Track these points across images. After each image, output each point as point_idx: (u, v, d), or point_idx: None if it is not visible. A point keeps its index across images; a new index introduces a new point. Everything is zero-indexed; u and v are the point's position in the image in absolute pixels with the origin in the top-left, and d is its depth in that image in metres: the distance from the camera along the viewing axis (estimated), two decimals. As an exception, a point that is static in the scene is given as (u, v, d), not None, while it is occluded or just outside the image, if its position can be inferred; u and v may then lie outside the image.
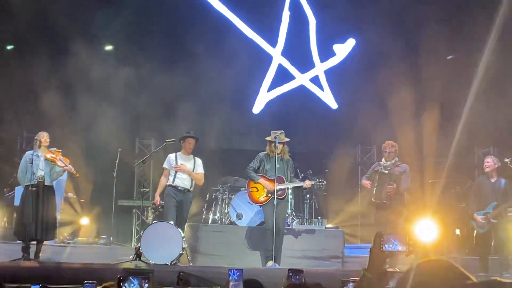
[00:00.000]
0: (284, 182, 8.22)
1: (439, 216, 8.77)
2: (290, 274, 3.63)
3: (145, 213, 10.50)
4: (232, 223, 9.57)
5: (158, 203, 8.49)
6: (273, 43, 12.31)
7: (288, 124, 9.30)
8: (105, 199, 10.96)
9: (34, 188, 7.98)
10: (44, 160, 8.12)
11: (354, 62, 12.16)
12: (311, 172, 9.78)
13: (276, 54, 12.32)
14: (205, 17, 12.03)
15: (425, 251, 7.73)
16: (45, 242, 8.22)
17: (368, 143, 12.37)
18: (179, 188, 8.44)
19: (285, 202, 8.50)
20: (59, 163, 8.12)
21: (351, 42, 12.34)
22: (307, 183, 8.41)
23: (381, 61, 11.78)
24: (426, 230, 8.21)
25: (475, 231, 8.54)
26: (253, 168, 8.29)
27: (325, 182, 8.61)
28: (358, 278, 3.02)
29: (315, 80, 12.38)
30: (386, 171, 8.45)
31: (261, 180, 8.23)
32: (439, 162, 10.51)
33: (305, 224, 10.02)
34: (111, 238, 10.70)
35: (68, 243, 10.16)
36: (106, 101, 11.20)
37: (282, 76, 12.32)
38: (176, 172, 8.46)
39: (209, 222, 10.04)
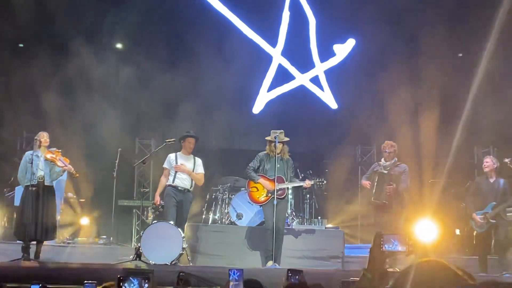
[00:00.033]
0: (284, 182, 8.22)
1: (439, 216, 8.78)
2: (290, 274, 3.63)
3: (145, 213, 10.50)
4: (232, 223, 9.58)
5: (158, 203, 8.48)
6: (273, 43, 12.31)
7: (288, 124, 9.30)
8: (105, 199, 10.96)
9: (34, 188, 7.97)
10: (44, 160, 8.12)
11: (354, 62, 12.16)
12: (311, 172, 9.78)
13: (276, 54, 12.32)
14: (205, 17, 12.03)
15: (425, 251, 7.73)
16: (45, 242, 8.21)
17: (368, 143, 12.37)
18: (179, 188, 8.44)
19: (285, 202, 8.50)
20: (59, 163, 8.12)
21: (351, 42, 12.34)
22: (307, 183, 8.41)
23: (381, 61, 11.79)
24: (426, 230, 8.22)
25: (475, 231, 8.54)
26: (253, 168, 8.29)
27: (325, 181, 8.61)
28: (358, 278, 3.02)
29: (315, 80, 12.38)
30: (386, 171, 8.46)
31: (261, 180, 8.24)
32: (439, 162, 10.51)
33: (305, 224, 10.02)
34: (111, 238, 10.70)
35: (68, 243, 10.16)
36: (106, 101, 11.20)
37: (282, 76, 12.33)
38: (176, 172, 8.46)
39: (209, 222, 10.05)
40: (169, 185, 8.45)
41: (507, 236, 8.35)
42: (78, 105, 11.40)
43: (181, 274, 4.81)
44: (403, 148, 9.21)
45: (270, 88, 12.28)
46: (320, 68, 12.34)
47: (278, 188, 8.14)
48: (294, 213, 9.96)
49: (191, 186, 8.55)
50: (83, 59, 11.04)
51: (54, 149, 8.30)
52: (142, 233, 7.96)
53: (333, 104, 12.31)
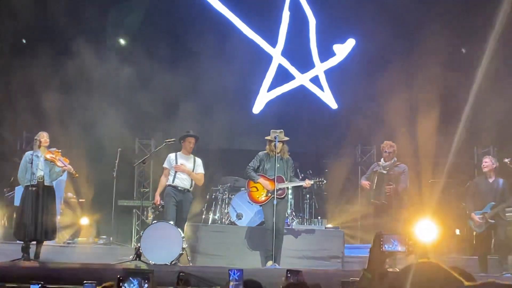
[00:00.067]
0: (284, 182, 8.22)
1: (439, 216, 8.78)
2: (289, 275, 3.63)
3: (145, 213, 10.49)
4: (232, 223, 9.58)
5: (158, 203, 8.48)
6: (273, 43, 12.31)
7: (288, 124, 9.30)
8: (105, 199, 10.96)
9: (34, 189, 7.97)
10: (44, 160, 8.11)
11: (354, 62, 12.16)
12: (311, 172, 9.78)
13: (276, 54, 12.32)
14: (205, 17, 12.03)
15: (425, 251, 7.72)
16: (45, 242, 8.21)
17: (368, 143, 12.36)
18: (179, 188, 8.43)
19: (285, 202, 8.50)
20: (58, 163, 8.12)
21: (351, 42, 12.34)
22: (307, 182, 8.41)
23: (381, 61, 11.79)
24: (426, 230, 8.21)
25: (474, 231, 8.54)
26: (253, 167, 8.29)
27: (325, 181, 8.63)
28: (358, 278, 3.02)
29: (315, 80, 12.38)
30: (385, 172, 8.47)
31: (261, 180, 8.24)
32: (439, 162, 10.51)
33: (305, 224, 10.02)
34: (111, 238, 10.70)
35: (68, 243, 10.16)
36: (106, 101, 11.21)
37: (282, 76, 12.33)
38: (176, 172, 8.46)
39: (209, 222, 10.05)
40: (169, 185, 8.45)
41: (506, 236, 8.35)
42: (78, 105, 11.40)
43: (181, 274, 4.81)
44: (403, 148, 9.22)
45: (270, 88, 12.28)
46: (320, 68, 12.34)
47: (278, 188, 8.14)
48: (294, 213, 9.96)
49: (191, 186, 8.55)
50: (83, 59, 11.04)
51: (54, 149, 8.30)
52: (142, 233, 7.97)
53: (333, 104, 12.31)
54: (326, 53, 12.35)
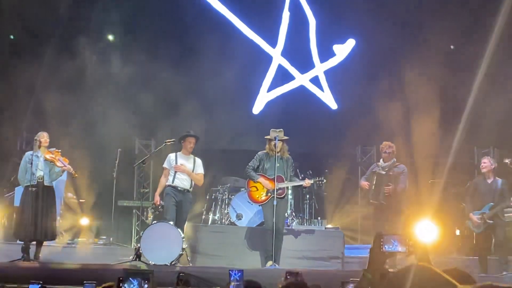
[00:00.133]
0: (283, 181, 8.22)
1: (439, 216, 8.77)
2: (288, 276, 3.63)
3: (145, 213, 10.49)
4: (232, 223, 9.57)
5: (158, 203, 8.48)
6: (273, 43, 12.31)
7: (288, 125, 9.29)
8: (105, 199, 10.96)
9: (33, 189, 7.97)
10: (43, 161, 8.11)
11: (354, 62, 12.15)
12: (311, 172, 9.77)
13: (276, 55, 12.32)
14: (205, 17, 12.03)
15: (425, 251, 7.71)
16: (45, 243, 8.21)
17: (368, 144, 12.35)
18: (179, 188, 8.43)
19: (285, 202, 8.50)
20: (58, 163, 8.12)
21: (351, 43, 12.33)
22: (307, 182, 8.41)
23: (381, 61, 11.78)
24: (426, 231, 8.20)
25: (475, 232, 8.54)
26: (253, 167, 8.29)
27: (324, 180, 8.64)
28: (358, 279, 3.02)
29: (315, 81, 12.38)
30: (384, 172, 8.47)
31: (261, 179, 8.23)
32: (439, 162, 10.51)
33: (305, 224, 10.01)
34: (111, 239, 10.69)
35: (68, 243, 10.15)
36: (106, 101, 11.20)
37: (282, 76, 12.32)
38: (175, 172, 8.45)
39: (209, 222, 10.04)
40: (169, 185, 8.44)
41: (506, 236, 8.35)
42: (78, 105, 11.39)
43: (181, 274, 4.81)
44: (403, 148, 9.21)
45: (270, 89, 12.27)
46: (320, 69, 12.34)
47: (277, 188, 8.13)
48: (294, 213, 9.95)
49: (190, 187, 8.54)
50: (83, 59, 11.05)
51: (54, 149, 8.29)
52: (142, 234, 7.97)
53: (333, 105, 12.30)
54: (326, 53, 12.35)
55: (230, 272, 3.47)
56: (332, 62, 12.34)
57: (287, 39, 12.27)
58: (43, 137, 8.19)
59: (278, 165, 8.18)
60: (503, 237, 8.31)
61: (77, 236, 10.78)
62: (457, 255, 9.87)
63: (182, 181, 8.46)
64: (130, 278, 2.93)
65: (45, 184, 8.09)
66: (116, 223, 10.56)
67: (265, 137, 8.41)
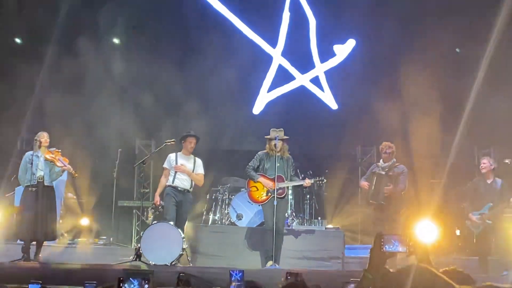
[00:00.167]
0: (284, 181, 8.21)
1: (440, 216, 8.77)
2: (288, 277, 3.63)
3: (145, 213, 10.50)
4: (232, 223, 9.58)
5: (158, 203, 8.48)
6: (273, 43, 12.31)
7: (288, 125, 9.29)
8: (105, 199, 10.96)
9: (34, 189, 7.97)
10: (44, 161, 8.11)
11: (354, 62, 12.15)
12: (311, 172, 9.77)
13: (276, 55, 12.32)
14: (205, 18, 12.03)
15: (425, 252, 7.71)
16: (45, 243, 8.21)
17: (368, 143, 12.34)
18: (179, 188, 8.43)
19: (285, 202, 8.50)
20: (58, 163, 8.12)
21: (351, 43, 12.32)
22: (307, 182, 8.41)
23: (381, 61, 11.78)
24: (426, 231, 8.19)
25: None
26: (253, 167, 8.29)
27: (325, 180, 8.64)
28: (358, 279, 3.02)
29: (315, 81, 12.38)
30: (384, 172, 8.47)
31: (261, 179, 8.23)
32: (439, 162, 10.50)
33: (305, 224, 10.01)
34: (111, 239, 10.70)
35: (68, 243, 10.15)
36: (107, 101, 11.20)
37: (282, 76, 12.32)
38: (175, 172, 8.45)
39: (209, 222, 10.04)
40: (169, 186, 8.44)
41: (505, 236, 8.35)
42: (78, 106, 11.39)
43: (181, 274, 4.81)
44: (403, 148, 9.21)
45: (270, 89, 12.27)
46: (320, 69, 12.34)
47: (278, 187, 8.13)
48: (294, 213, 9.95)
49: (190, 187, 8.54)
50: (84, 59, 11.04)
51: (54, 149, 8.29)
52: (142, 234, 7.97)
53: (333, 105, 12.30)
54: (326, 53, 12.34)
55: (231, 272, 3.47)
56: (332, 62, 12.34)
57: (287, 39, 12.28)
58: (43, 137, 8.19)
59: (278, 165, 8.17)
60: (503, 238, 8.31)
61: (77, 236, 10.78)
62: (457, 255, 9.87)
63: (182, 181, 8.46)
64: (130, 278, 2.93)
65: (45, 184, 8.09)
66: (116, 223, 10.56)
67: (265, 136, 8.41)
